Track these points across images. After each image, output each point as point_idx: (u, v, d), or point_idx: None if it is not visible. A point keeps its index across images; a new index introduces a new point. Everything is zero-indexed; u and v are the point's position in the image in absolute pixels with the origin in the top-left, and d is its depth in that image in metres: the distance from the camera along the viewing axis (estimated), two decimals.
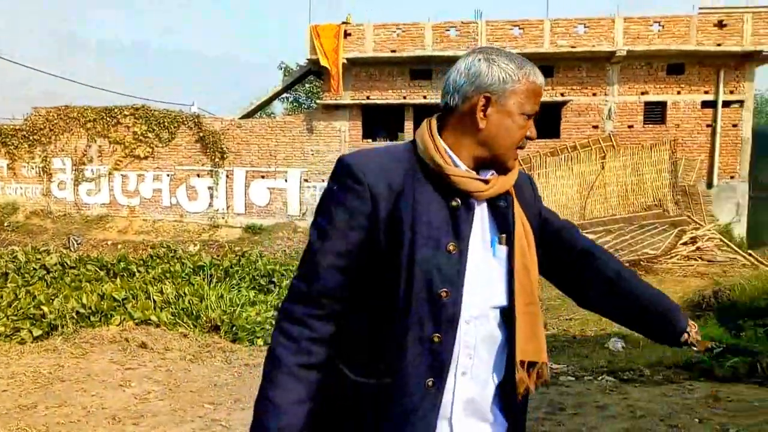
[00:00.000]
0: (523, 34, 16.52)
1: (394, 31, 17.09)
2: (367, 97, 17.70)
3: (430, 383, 1.20)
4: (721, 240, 14.70)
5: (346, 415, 1.24)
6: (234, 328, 6.14)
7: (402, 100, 17.52)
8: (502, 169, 1.25)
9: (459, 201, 1.22)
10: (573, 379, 4.86)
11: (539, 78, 1.23)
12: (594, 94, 16.76)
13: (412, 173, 1.23)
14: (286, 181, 18.30)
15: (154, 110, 18.76)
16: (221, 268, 9.34)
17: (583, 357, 6.00)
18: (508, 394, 1.27)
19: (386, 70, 17.57)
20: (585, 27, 16.26)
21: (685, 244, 13.59)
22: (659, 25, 15.84)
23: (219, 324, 6.16)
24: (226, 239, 17.92)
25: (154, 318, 6.17)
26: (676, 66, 16.29)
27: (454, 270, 1.20)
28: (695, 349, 1.40)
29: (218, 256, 12.41)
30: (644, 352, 5.79)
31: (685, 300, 9.39)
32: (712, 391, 4.10)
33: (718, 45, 15.59)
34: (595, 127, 16.79)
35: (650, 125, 16.50)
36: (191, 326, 6.16)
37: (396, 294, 1.19)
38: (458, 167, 1.23)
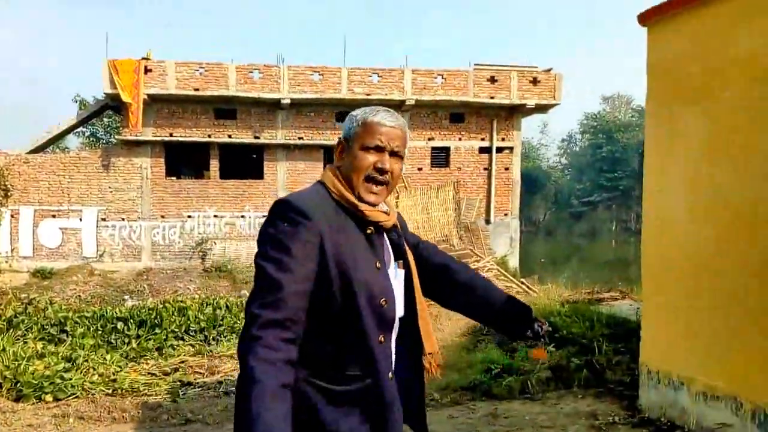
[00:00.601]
0: (323, 80, 18.26)
1: (197, 70, 17.93)
2: (171, 134, 18.28)
3: (390, 375, 1.59)
4: (499, 270, 17.40)
5: (334, 422, 1.53)
6: (18, 385, 5.80)
7: (207, 139, 18.36)
8: (358, 199, 1.58)
9: (372, 228, 1.60)
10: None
11: (377, 117, 1.60)
12: None
13: (336, 211, 1.56)
14: (80, 220, 18.06)
15: None
16: (3, 318, 8.92)
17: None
18: (409, 383, 1.71)
19: (190, 107, 18.34)
20: (378, 76, 18.41)
21: None
22: (442, 78, 18.49)
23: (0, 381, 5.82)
24: (10, 285, 17.16)
25: None
26: (457, 115, 19.08)
27: (386, 283, 1.59)
28: (542, 342, 1.86)
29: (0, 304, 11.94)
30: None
31: (468, 325, 10.88)
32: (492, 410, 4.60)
33: (492, 98, 18.59)
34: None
35: (437, 168, 19.08)
36: None
37: (357, 310, 1.51)
38: (365, 204, 1.59)
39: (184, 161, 19.31)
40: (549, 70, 19.46)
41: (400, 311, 1.65)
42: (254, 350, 1.39)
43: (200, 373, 6.78)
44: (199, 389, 5.99)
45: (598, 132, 56.32)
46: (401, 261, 1.68)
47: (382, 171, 1.58)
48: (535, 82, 19.00)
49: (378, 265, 1.58)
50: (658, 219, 4.05)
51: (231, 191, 18.66)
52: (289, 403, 1.40)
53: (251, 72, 18.23)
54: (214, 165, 18.64)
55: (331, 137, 18.88)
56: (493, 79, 18.79)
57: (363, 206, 1.57)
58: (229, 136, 18.52)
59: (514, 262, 18.91)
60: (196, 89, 17.85)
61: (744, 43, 3.51)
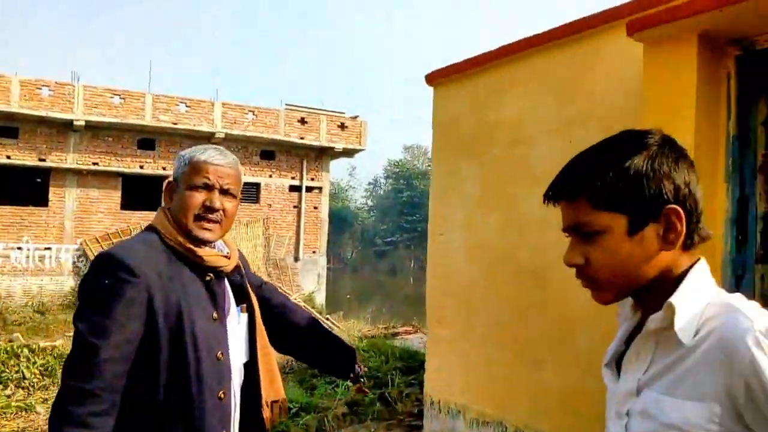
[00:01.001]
0: (124, 104, 17.01)
1: None
2: None
3: None
4: (306, 307, 17.37)
5: None
6: None
7: None
8: (192, 238, 1.49)
9: (212, 275, 1.52)
10: None
11: (204, 155, 1.53)
12: None
13: (169, 258, 1.46)
14: None
15: None
16: None
17: None
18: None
19: None
20: (187, 106, 17.67)
21: None
22: (253, 114, 18.36)
23: None
24: None
25: None
26: (268, 152, 19.06)
27: (223, 334, 1.51)
28: (361, 382, 1.87)
29: None
30: None
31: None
32: None
33: (302, 138, 18.90)
34: None
35: (246, 204, 18.72)
36: None
37: (188, 367, 1.41)
38: (203, 248, 1.50)
39: None
40: (356, 117, 20.49)
41: (242, 358, 1.61)
42: (65, 429, 1.30)
43: None
44: None
45: (400, 178, 60.66)
46: (244, 305, 1.64)
47: (211, 209, 1.51)
48: (342, 127, 19.82)
49: (215, 315, 1.51)
50: (440, 259, 4.42)
51: (5, 219, 16.23)
52: None
53: (39, 88, 16.34)
54: None
55: (131, 164, 17.55)
56: (303, 121, 19.19)
57: (200, 251, 1.50)
58: (8, 157, 16.23)
59: (320, 298, 19.15)
60: None
61: (507, 109, 4.05)
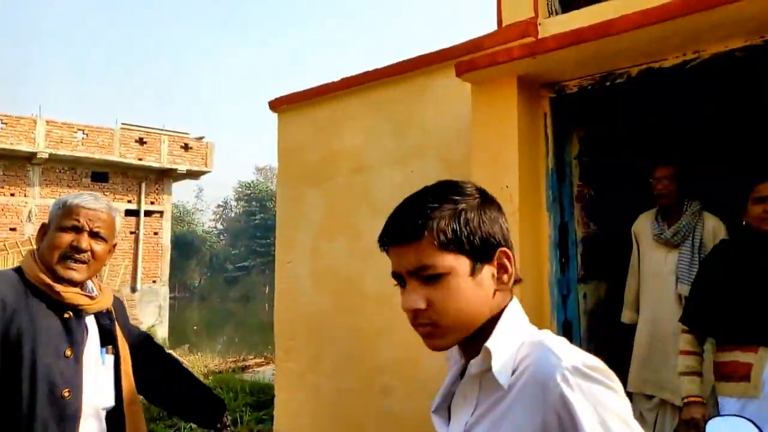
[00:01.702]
0: None
1: None
2: None
3: None
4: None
5: None
6: None
7: None
8: (58, 278, 1.53)
9: (71, 313, 1.53)
10: None
11: (77, 200, 1.62)
12: (12, 195, 16.13)
13: (26, 294, 1.49)
14: None
15: None
16: None
17: None
18: None
19: None
20: (3, 123, 15.71)
21: None
22: (83, 133, 16.86)
23: None
24: None
25: None
26: (100, 174, 17.59)
27: (73, 371, 1.49)
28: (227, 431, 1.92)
29: None
30: None
31: None
32: None
33: (140, 159, 17.70)
34: (13, 229, 16.08)
35: None
36: None
37: (20, 400, 1.39)
38: (64, 285, 1.53)
39: None
40: (201, 138, 19.67)
41: (106, 402, 1.60)
42: None
43: None
44: None
45: (252, 200, 59.07)
46: (110, 347, 1.65)
47: (78, 250, 1.57)
48: (186, 148, 18.91)
49: (68, 352, 1.51)
50: (288, 287, 4.33)
51: None
52: None
53: None
54: None
55: None
56: (141, 141, 18.01)
57: (58, 287, 1.53)
58: None
59: (162, 332, 17.89)
60: None
61: (348, 139, 4.12)
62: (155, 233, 18.48)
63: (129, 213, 17.98)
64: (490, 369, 0.90)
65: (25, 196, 16.36)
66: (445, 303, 0.92)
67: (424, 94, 3.61)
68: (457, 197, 0.95)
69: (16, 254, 15.82)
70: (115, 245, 1.71)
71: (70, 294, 1.54)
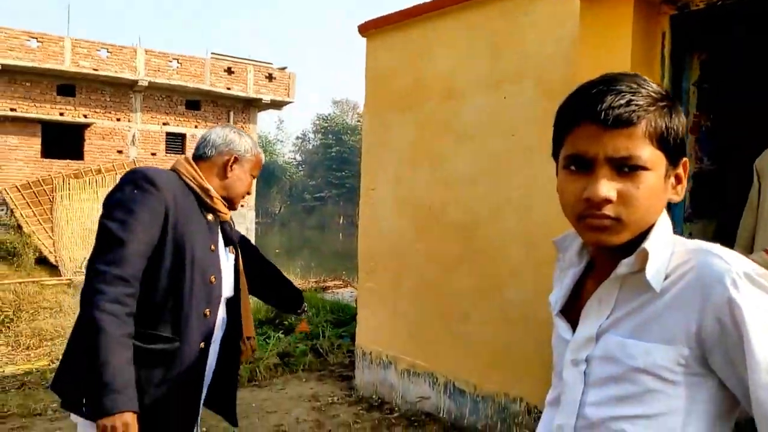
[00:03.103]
0: (42, 48, 15.49)
1: None
2: None
3: (202, 345, 1.70)
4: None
5: (142, 375, 1.58)
6: None
7: None
8: (231, 206, 1.84)
9: (212, 216, 1.76)
10: None
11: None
12: (118, 119, 16.92)
13: (184, 192, 1.68)
14: None
15: None
16: None
17: None
18: (226, 362, 1.86)
19: None
20: (108, 52, 16.34)
21: None
22: (178, 63, 17.19)
23: None
24: None
25: None
26: (193, 102, 18.02)
27: (217, 263, 1.73)
28: (304, 316, 2.15)
29: None
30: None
31: None
32: None
33: (228, 89, 17.97)
34: (120, 152, 16.95)
35: (172, 154, 17.71)
36: None
37: (183, 280, 1.62)
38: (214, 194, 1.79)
39: None
40: (284, 68, 19.65)
41: (228, 291, 1.80)
42: (99, 304, 1.47)
43: None
44: None
45: (329, 133, 59.46)
46: (231, 247, 1.85)
47: (248, 193, 1.90)
48: (270, 78, 18.98)
49: (213, 247, 1.72)
50: (371, 214, 4.27)
51: None
52: (131, 350, 1.52)
53: None
54: None
55: (50, 111, 16.10)
56: (230, 71, 18.21)
57: (215, 193, 1.75)
58: None
59: None
60: None
61: (440, 63, 3.88)
62: None
63: None
64: (640, 271, 0.82)
65: (128, 121, 17.11)
66: (638, 199, 0.81)
67: (525, 14, 3.29)
68: (661, 93, 0.83)
69: (122, 175, 16.77)
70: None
71: (219, 203, 1.76)
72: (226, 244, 1.82)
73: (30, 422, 4.19)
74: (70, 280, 13.94)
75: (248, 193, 1.88)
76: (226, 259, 1.79)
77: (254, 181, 1.90)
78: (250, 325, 1.89)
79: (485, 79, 3.57)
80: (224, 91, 17.83)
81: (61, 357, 1.70)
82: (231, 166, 1.80)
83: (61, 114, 16.32)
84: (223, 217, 1.78)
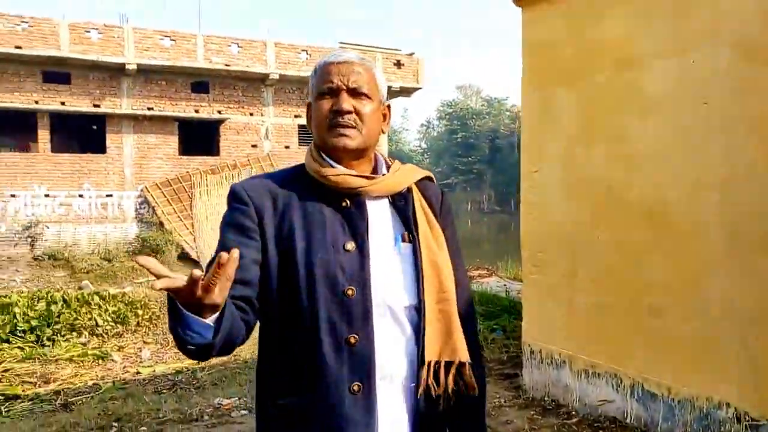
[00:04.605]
0: (175, 46, 17.06)
1: (19, 24, 15.87)
2: None
3: (355, 387, 1.25)
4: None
5: None
6: None
7: (33, 105, 16.30)
8: (334, 153, 1.35)
9: (348, 201, 1.33)
10: (246, 412, 4.79)
11: (327, 58, 1.37)
12: (251, 114, 18.17)
13: (302, 188, 1.36)
14: None
15: None
16: None
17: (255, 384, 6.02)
18: (427, 401, 1.32)
19: (11, 68, 16.19)
20: (239, 47, 17.54)
21: None
22: (307, 54, 18.10)
23: None
24: None
25: None
26: None
27: (357, 267, 1.28)
28: None
29: None
30: None
31: None
32: None
33: None
34: (254, 146, 18.20)
35: (305, 146, 18.72)
36: None
37: (299, 298, 1.26)
38: (335, 167, 1.35)
39: (4, 131, 17.02)
40: (411, 54, 19.87)
41: (404, 298, 1.33)
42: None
43: (30, 382, 5.98)
44: (30, 402, 5.25)
45: (454, 119, 59.58)
46: (406, 233, 1.37)
47: (339, 113, 1.32)
48: (398, 65, 19.32)
49: (349, 246, 1.31)
50: (536, 198, 4.19)
51: (66, 167, 16.80)
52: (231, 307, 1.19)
53: (88, 31, 16.50)
54: (44, 136, 16.68)
55: (185, 108, 17.71)
56: (399, 63, 18.86)
57: (326, 170, 1.34)
58: (62, 103, 16.65)
59: None
60: (18, 47, 15.77)
61: (612, 29, 3.70)
62: None
63: None
64: None
65: (261, 115, 18.34)
66: None
67: None
68: None
69: (257, 168, 18.02)
70: (388, 107, 1.44)
71: (341, 177, 1.33)
72: (396, 231, 1.37)
73: (188, 428, 4.35)
74: None
75: (337, 112, 1.32)
76: (396, 252, 1.36)
77: (325, 101, 1.34)
78: (453, 345, 1.34)
79: (668, 43, 3.37)
80: None
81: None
82: (310, 120, 1.42)
83: (196, 111, 17.84)
84: (367, 192, 1.35)
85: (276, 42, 18.01)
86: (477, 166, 55.73)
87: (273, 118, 18.61)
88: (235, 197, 1.34)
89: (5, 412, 5.01)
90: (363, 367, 1.27)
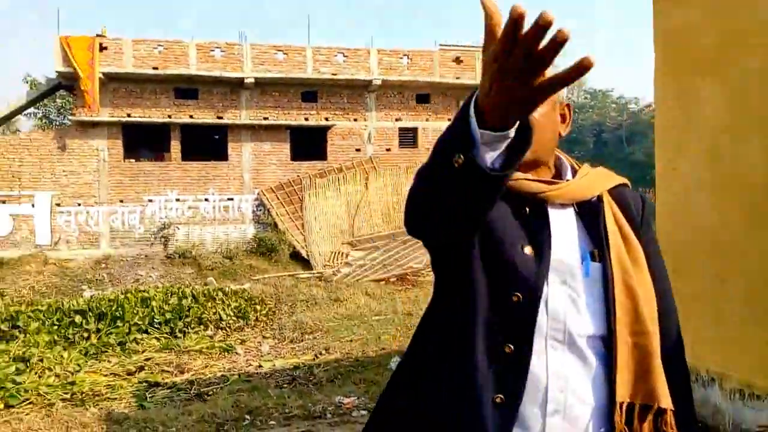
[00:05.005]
0: (287, 59, 17.51)
1: (156, 48, 16.97)
2: (128, 115, 17.28)
3: (498, 399, 1.07)
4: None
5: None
6: None
7: (167, 119, 17.37)
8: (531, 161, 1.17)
9: (528, 209, 1.17)
10: (365, 412, 4.68)
11: None
12: (355, 120, 18.32)
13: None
14: (33, 206, 16.93)
15: None
16: None
17: (371, 383, 5.87)
18: None
19: (148, 87, 17.36)
20: (344, 56, 17.75)
21: None
22: (408, 58, 17.98)
23: None
24: None
25: None
26: (423, 95, 18.63)
27: (531, 272, 1.10)
28: None
29: None
30: None
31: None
32: None
33: (457, 78, 18.18)
34: (358, 150, 18.34)
35: (405, 149, 18.61)
36: None
37: (468, 293, 1.11)
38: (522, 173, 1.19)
39: (143, 143, 18.30)
40: None
41: (587, 326, 1.10)
42: None
43: (168, 371, 6.20)
44: (168, 390, 5.42)
45: None
46: (596, 251, 1.13)
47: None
48: None
49: (528, 250, 1.10)
50: (674, 198, 3.70)
51: (194, 173, 17.77)
52: None
53: (212, 50, 17.36)
54: (175, 146, 17.72)
55: (296, 117, 18.16)
56: (458, 60, 18.39)
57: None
58: (191, 117, 17.62)
59: None
60: (155, 68, 16.90)
61: (763, 7, 3.16)
62: None
63: None
64: None
65: (364, 120, 18.44)
66: None
67: None
68: None
69: (361, 171, 18.14)
70: (567, 106, 1.24)
71: (518, 182, 1.15)
72: (582, 246, 1.14)
73: (312, 426, 4.33)
74: (320, 273, 15.57)
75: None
76: (583, 273, 1.12)
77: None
78: (650, 386, 1.09)
79: None
80: (453, 81, 18.12)
81: None
82: None
83: (306, 119, 18.25)
84: (550, 198, 1.15)
85: (379, 49, 18.02)
86: (583, 161, 53.62)
87: (375, 122, 18.64)
88: None
89: (149, 398, 5.21)
90: (513, 380, 1.08)
